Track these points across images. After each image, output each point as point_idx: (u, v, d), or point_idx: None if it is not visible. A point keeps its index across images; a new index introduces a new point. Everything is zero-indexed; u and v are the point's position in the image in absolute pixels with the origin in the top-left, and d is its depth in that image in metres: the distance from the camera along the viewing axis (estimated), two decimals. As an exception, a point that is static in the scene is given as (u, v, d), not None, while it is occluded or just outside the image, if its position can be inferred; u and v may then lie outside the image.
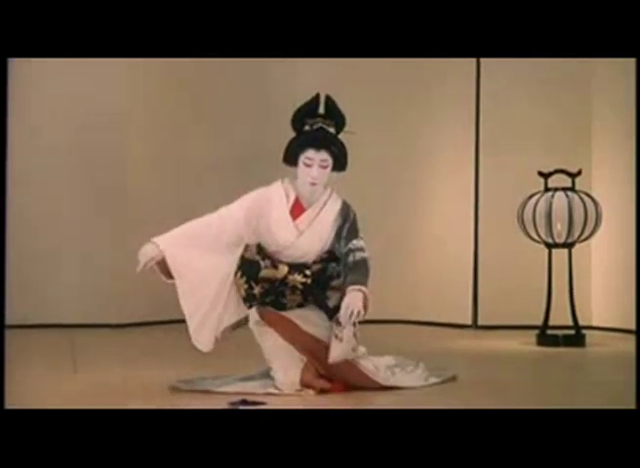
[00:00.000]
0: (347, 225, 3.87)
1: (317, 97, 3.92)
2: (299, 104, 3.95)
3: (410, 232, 7.05)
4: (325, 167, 3.83)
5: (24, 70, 6.09)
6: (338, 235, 3.85)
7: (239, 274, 3.77)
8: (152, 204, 6.71)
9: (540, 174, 5.85)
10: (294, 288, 3.80)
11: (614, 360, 5.16)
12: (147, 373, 4.37)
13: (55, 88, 6.55)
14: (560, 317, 5.83)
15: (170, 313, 6.66)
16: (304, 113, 3.90)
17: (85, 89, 6.57)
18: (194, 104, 6.88)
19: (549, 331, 5.77)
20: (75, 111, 6.56)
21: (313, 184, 3.83)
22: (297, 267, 3.81)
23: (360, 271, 3.73)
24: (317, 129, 3.86)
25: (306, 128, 3.87)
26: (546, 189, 5.81)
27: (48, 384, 4.04)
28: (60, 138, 6.55)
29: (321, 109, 3.90)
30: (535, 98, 6.68)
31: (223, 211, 3.89)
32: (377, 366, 3.96)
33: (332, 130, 3.89)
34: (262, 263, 3.78)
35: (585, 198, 5.77)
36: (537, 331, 5.80)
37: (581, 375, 4.80)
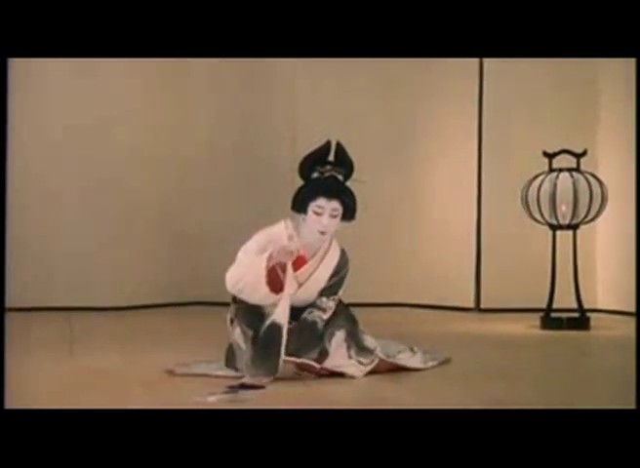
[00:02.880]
0: (334, 279, 3.95)
1: (328, 144, 3.90)
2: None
3: (411, 214, 7.05)
4: (335, 216, 3.85)
5: (24, 70, 6.16)
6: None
7: (236, 321, 3.84)
8: (151, 195, 6.81)
9: (545, 154, 5.85)
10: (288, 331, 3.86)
11: (618, 343, 5.16)
12: (145, 357, 4.39)
13: (55, 87, 6.60)
14: (564, 300, 5.85)
15: (168, 296, 6.80)
16: (314, 160, 3.88)
17: (85, 89, 6.62)
18: (194, 104, 6.95)
19: (553, 315, 5.79)
20: (75, 110, 6.62)
21: (323, 233, 3.86)
22: (293, 314, 3.85)
23: (304, 338, 3.79)
24: (329, 177, 3.86)
25: (315, 175, 3.87)
26: (551, 170, 5.80)
27: (45, 369, 4.05)
28: (59, 137, 6.62)
29: (331, 157, 3.89)
30: (539, 77, 6.67)
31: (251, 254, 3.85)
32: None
33: (340, 178, 3.90)
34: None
35: (591, 179, 5.78)
36: (540, 315, 5.82)
37: (586, 359, 4.81)
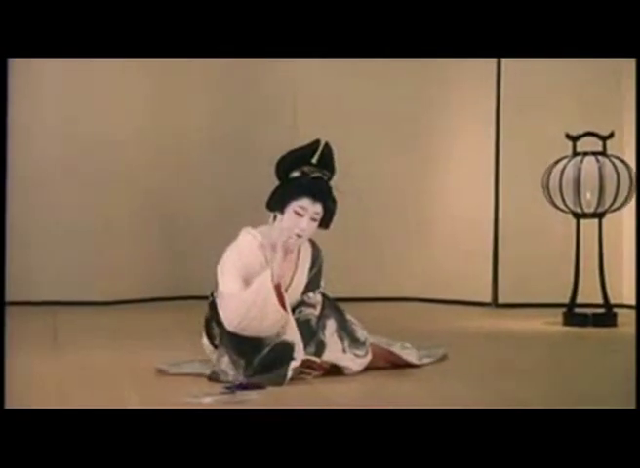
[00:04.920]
0: (314, 272, 3.94)
1: (317, 143, 3.84)
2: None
3: (423, 204, 7.09)
4: (316, 220, 3.79)
5: (24, 70, 6.28)
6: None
7: (223, 349, 3.76)
8: (142, 189, 6.90)
9: (568, 136, 5.82)
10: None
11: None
12: (135, 356, 4.40)
13: (55, 87, 6.71)
14: (589, 294, 5.85)
15: (158, 291, 6.80)
16: (298, 159, 3.83)
17: (84, 88, 6.73)
18: (195, 104, 7.04)
19: (577, 310, 5.78)
20: (75, 110, 6.73)
21: (299, 236, 3.80)
22: None
23: (301, 336, 3.76)
24: (316, 177, 3.81)
25: (296, 174, 3.80)
26: (575, 153, 5.77)
27: (30, 367, 4.02)
28: (58, 136, 6.74)
29: (315, 158, 3.83)
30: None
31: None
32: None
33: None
34: None
35: (618, 163, 5.73)
36: (563, 310, 5.80)
37: (612, 357, 4.79)
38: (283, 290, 3.74)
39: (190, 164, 7.05)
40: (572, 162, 5.75)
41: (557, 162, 5.81)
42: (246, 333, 3.71)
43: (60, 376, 3.84)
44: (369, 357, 3.90)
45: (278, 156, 3.88)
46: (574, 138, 5.82)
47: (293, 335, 3.71)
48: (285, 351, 3.69)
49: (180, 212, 7.07)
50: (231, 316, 3.71)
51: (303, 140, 3.91)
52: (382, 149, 7.01)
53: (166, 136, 6.97)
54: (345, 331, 3.88)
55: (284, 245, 3.75)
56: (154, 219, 6.99)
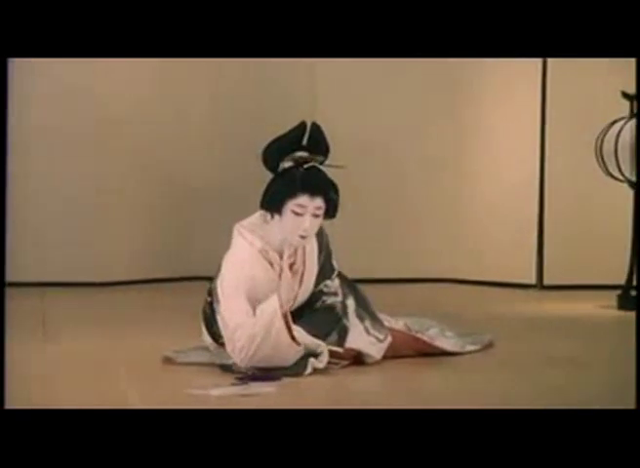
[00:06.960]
0: (322, 258, 3.91)
1: (303, 125, 3.79)
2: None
3: (464, 177, 7.04)
4: (318, 216, 3.75)
5: (24, 70, 6.41)
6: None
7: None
8: (138, 159, 7.01)
9: (625, 95, 5.73)
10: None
11: None
12: (137, 342, 4.45)
13: (54, 87, 6.85)
14: (647, 274, 5.67)
15: (156, 270, 6.85)
16: (286, 144, 3.77)
17: (87, 61, 6.62)
18: (199, 105, 7.17)
19: (633, 292, 5.70)
20: (76, 83, 6.88)
21: (303, 237, 3.75)
22: (297, 313, 3.81)
23: (321, 324, 3.80)
24: (309, 168, 3.75)
25: (288, 164, 3.75)
26: (633, 114, 5.69)
27: (16, 356, 3.96)
28: (58, 112, 6.85)
29: (304, 141, 3.78)
30: None
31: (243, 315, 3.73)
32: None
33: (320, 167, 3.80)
34: None
35: (682, 125, 5.51)
36: (617, 292, 5.75)
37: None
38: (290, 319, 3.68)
39: (193, 141, 7.11)
40: (629, 124, 5.66)
41: (612, 124, 5.74)
42: (260, 365, 3.66)
43: (58, 368, 3.87)
44: (389, 340, 3.88)
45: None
46: (631, 98, 5.72)
47: (315, 349, 3.72)
48: (307, 352, 3.71)
49: (180, 190, 7.10)
50: (241, 355, 3.66)
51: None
52: (420, 119, 6.99)
53: (169, 114, 7.04)
54: (362, 306, 3.90)
55: (288, 258, 3.76)
56: (153, 197, 7.02)
